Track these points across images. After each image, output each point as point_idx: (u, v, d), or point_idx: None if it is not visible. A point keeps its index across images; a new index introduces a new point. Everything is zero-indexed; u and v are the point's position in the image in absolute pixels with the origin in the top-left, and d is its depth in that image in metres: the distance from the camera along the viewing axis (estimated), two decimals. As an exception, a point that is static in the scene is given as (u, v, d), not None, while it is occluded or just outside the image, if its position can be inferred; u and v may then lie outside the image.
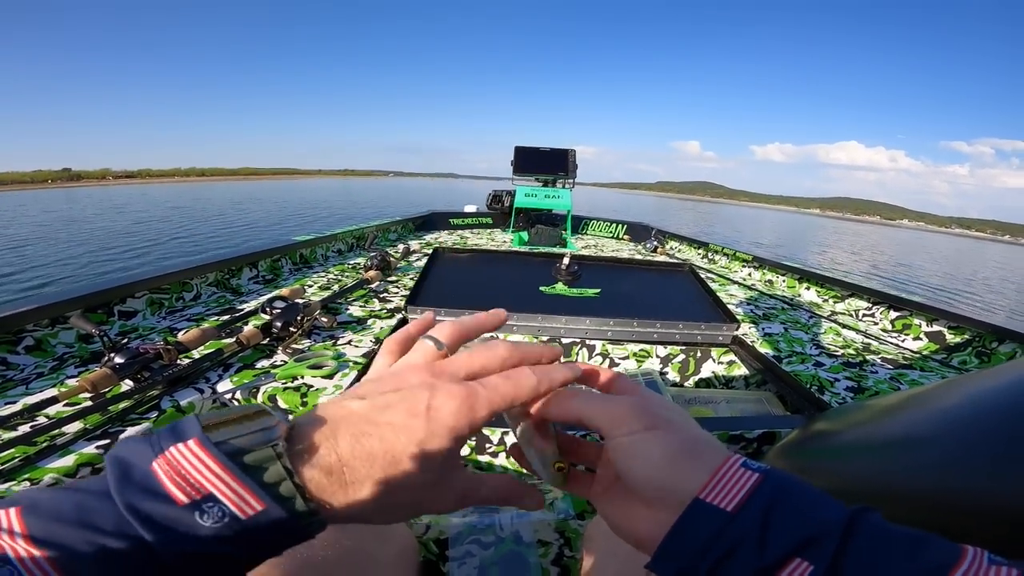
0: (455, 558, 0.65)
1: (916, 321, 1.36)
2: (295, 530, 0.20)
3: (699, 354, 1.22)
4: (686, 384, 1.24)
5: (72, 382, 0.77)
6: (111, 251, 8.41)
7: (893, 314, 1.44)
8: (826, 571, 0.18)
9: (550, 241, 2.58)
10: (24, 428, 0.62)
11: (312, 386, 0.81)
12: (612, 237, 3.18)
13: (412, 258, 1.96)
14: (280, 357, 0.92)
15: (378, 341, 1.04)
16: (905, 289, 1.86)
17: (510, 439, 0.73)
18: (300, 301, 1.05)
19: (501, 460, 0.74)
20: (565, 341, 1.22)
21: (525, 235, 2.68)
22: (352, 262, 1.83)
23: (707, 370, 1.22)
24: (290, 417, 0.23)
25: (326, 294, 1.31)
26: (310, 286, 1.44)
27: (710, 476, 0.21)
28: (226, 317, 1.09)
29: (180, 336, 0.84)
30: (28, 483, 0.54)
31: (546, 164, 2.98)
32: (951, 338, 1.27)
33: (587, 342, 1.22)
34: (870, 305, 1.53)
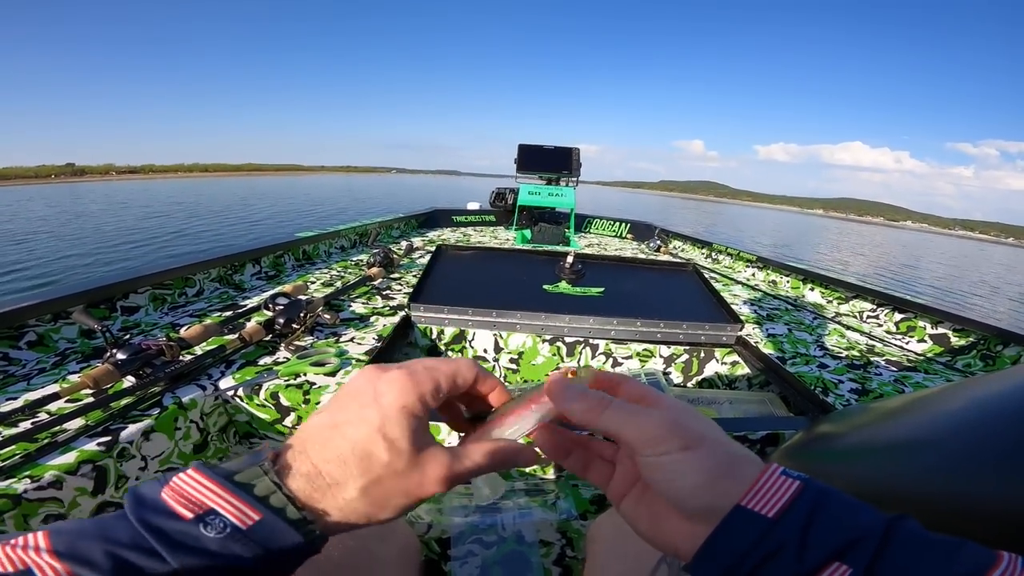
0: (457, 557, 0.65)
1: (921, 323, 1.35)
2: (297, 541, 0.22)
3: (703, 354, 1.21)
4: (689, 384, 1.23)
5: (74, 378, 0.76)
6: (115, 248, 8.43)
7: (897, 316, 1.43)
8: (864, 574, 0.18)
9: (553, 239, 2.57)
10: (25, 424, 0.61)
11: (314, 383, 0.81)
12: (615, 236, 3.18)
13: (415, 255, 1.96)
14: (283, 354, 0.92)
15: (381, 338, 1.04)
16: (906, 290, 1.86)
17: None
18: (303, 298, 1.05)
19: None
20: (568, 340, 1.21)
21: (528, 233, 2.67)
22: (355, 259, 1.83)
23: (710, 370, 1.21)
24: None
25: (329, 291, 1.31)
26: (313, 283, 1.44)
27: (751, 484, 0.22)
28: (229, 313, 1.08)
29: (182, 332, 0.84)
30: (29, 480, 0.53)
31: (550, 162, 2.98)
32: (956, 341, 1.26)
33: (590, 341, 1.21)
34: (874, 307, 1.52)
